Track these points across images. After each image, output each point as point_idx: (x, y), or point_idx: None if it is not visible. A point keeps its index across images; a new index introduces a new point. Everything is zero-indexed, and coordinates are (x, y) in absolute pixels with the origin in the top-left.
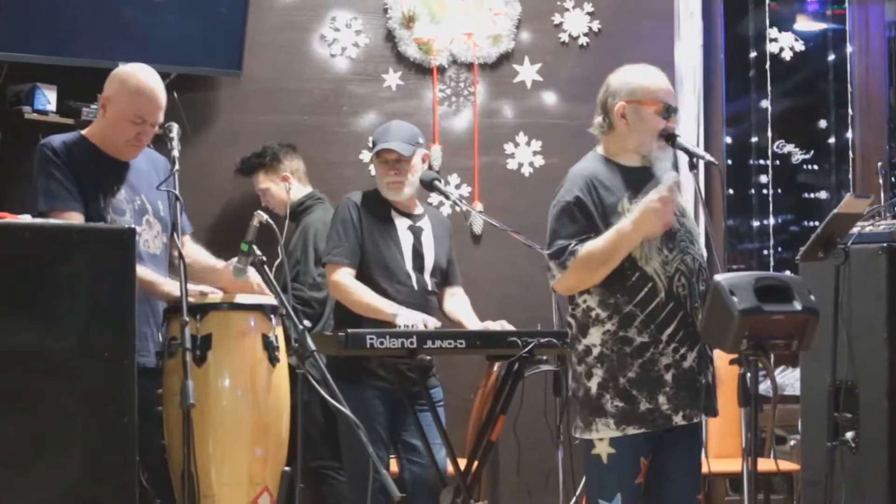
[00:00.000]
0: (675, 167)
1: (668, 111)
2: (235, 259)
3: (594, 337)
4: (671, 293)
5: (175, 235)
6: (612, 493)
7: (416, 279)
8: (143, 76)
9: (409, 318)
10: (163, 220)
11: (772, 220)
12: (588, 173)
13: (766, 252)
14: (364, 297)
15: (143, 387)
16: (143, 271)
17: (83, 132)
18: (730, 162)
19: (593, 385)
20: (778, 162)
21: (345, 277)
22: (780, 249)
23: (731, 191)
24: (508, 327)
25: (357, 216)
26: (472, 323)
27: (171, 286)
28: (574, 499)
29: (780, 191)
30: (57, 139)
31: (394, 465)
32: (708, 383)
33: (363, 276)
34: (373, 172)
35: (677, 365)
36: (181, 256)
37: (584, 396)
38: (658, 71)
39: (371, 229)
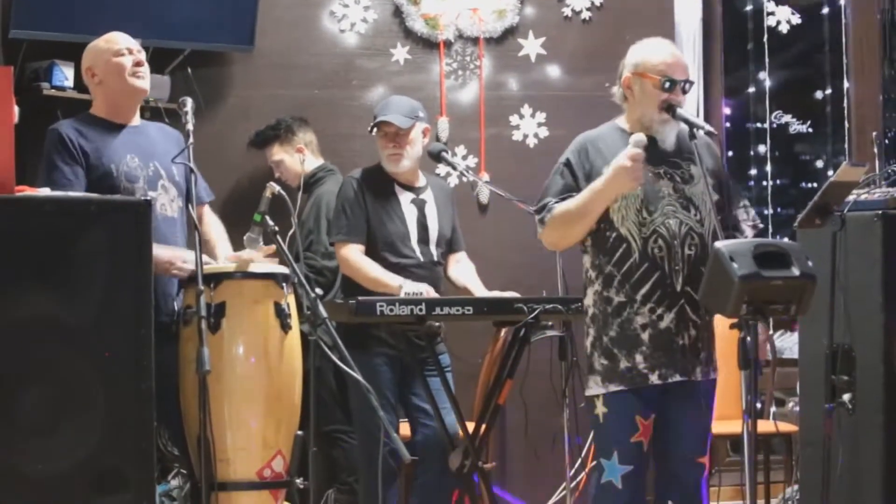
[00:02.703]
0: (692, 136)
1: (670, 84)
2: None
3: (588, 297)
4: (645, 254)
5: (189, 206)
6: (610, 450)
7: (421, 251)
8: (102, 36)
9: (412, 288)
10: (178, 185)
11: (769, 186)
12: (587, 138)
13: (766, 212)
14: (371, 271)
15: (165, 352)
16: (158, 250)
17: (89, 111)
18: (728, 138)
19: (588, 344)
20: (776, 132)
21: (353, 254)
22: (779, 210)
23: (730, 153)
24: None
25: (359, 193)
26: (478, 288)
27: (189, 262)
28: (580, 460)
29: (777, 160)
30: (65, 123)
31: (405, 429)
32: (685, 345)
33: (370, 252)
34: None
35: (654, 325)
36: (197, 228)
37: (584, 355)
38: (667, 44)
39: (375, 205)
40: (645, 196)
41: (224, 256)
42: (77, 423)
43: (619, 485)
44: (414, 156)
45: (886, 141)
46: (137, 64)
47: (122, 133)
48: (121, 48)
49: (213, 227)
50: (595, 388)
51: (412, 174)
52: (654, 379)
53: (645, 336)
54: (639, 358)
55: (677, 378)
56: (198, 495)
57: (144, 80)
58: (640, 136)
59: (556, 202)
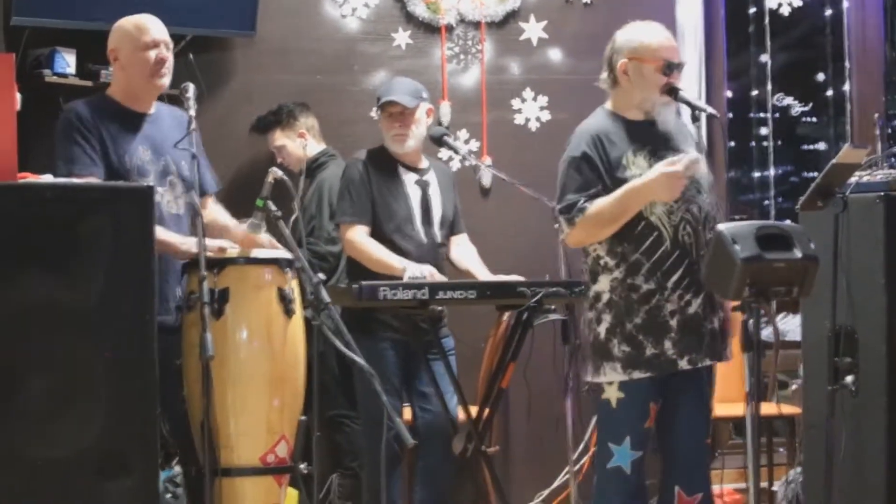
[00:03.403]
0: (695, 118)
1: (670, 67)
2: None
3: (603, 284)
4: (676, 241)
5: (193, 193)
6: (622, 436)
7: (425, 232)
8: (135, 16)
9: (416, 271)
10: (186, 181)
11: (772, 171)
12: (595, 129)
13: (766, 202)
14: (375, 253)
15: (166, 343)
16: (161, 232)
17: (106, 92)
18: (731, 115)
19: (602, 330)
20: (777, 114)
21: (359, 235)
22: (780, 200)
23: (732, 143)
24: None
25: (365, 174)
26: (480, 271)
27: (189, 244)
28: (582, 444)
29: (780, 142)
30: (80, 104)
31: (407, 414)
32: (714, 329)
33: (375, 233)
34: None
35: (682, 311)
36: (198, 213)
37: (594, 341)
38: (661, 28)
39: (380, 186)
40: None
41: (235, 223)
42: (80, 409)
43: (628, 470)
44: (418, 136)
45: (889, 123)
46: (161, 61)
47: (137, 123)
48: (149, 41)
49: (219, 214)
50: (612, 374)
51: (416, 155)
52: (683, 364)
53: (674, 322)
54: (667, 344)
55: (707, 362)
56: (201, 481)
57: (166, 77)
58: (696, 154)
59: (586, 201)
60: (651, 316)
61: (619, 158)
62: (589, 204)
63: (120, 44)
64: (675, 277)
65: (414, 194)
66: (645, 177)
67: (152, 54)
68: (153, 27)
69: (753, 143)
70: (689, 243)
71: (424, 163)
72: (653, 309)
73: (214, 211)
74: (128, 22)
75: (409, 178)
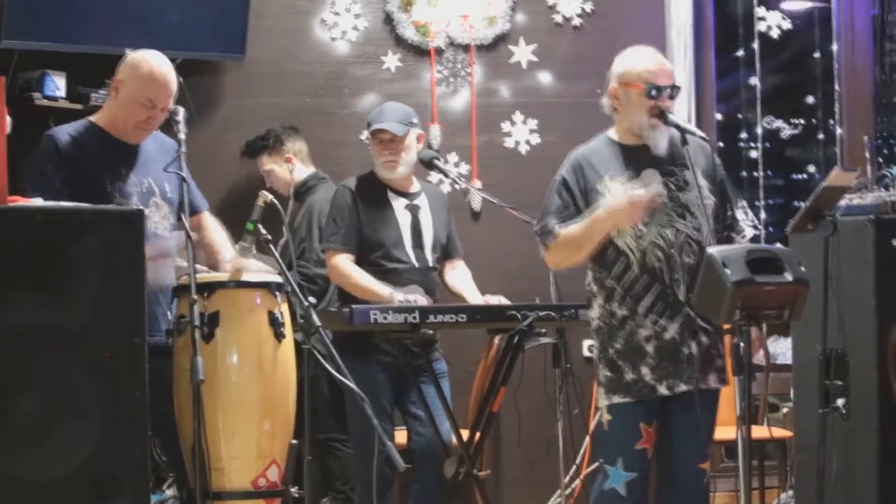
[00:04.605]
0: (684, 141)
1: (656, 90)
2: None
3: (594, 311)
4: (644, 266)
5: (183, 216)
6: (615, 457)
7: (416, 256)
8: (155, 62)
9: (404, 296)
10: (171, 202)
11: (762, 191)
12: (580, 154)
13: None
14: (360, 280)
15: (155, 364)
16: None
17: (91, 118)
18: (721, 144)
19: (595, 355)
20: (767, 138)
21: (343, 262)
22: (771, 229)
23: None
24: (505, 301)
25: (353, 202)
26: (474, 295)
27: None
28: (574, 467)
29: (769, 165)
30: (62, 131)
31: (401, 437)
32: (692, 354)
33: (365, 258)
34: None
35: (658, 336)
36: (188, 236)
37: (595, 366)
38: (650, 52)
39: (369, 212)
40: None
41: (228, 260)
42: (71, 430)
43: (622, 492)
44: (409, 162)
45: (878, 145)
46: (148, 121)
47: (120, 147)
48: (150, 99)
49: (216, 232)
50: (602, 399)
51: (406, 180)
52: (662, 390)
53: (650, 348)
54: (644, 370)
55: (682, 388)
56: None
57: (144, 133)
58: (652, 175)
59: (558, 224)
60: (627, 342)
61: (594, 184)
62: (561, 228)
63: (126, 80)
64: (645, 303)
65: (403, 219)
66: (609, 201)
67: (145, 112)
68: (161, 88)
69: (743, 166)
70: (658, 268)
71: (416, 186)
72: (628, 335)
73: (213, 230)
74: (145, 64)
75: (398, 204)
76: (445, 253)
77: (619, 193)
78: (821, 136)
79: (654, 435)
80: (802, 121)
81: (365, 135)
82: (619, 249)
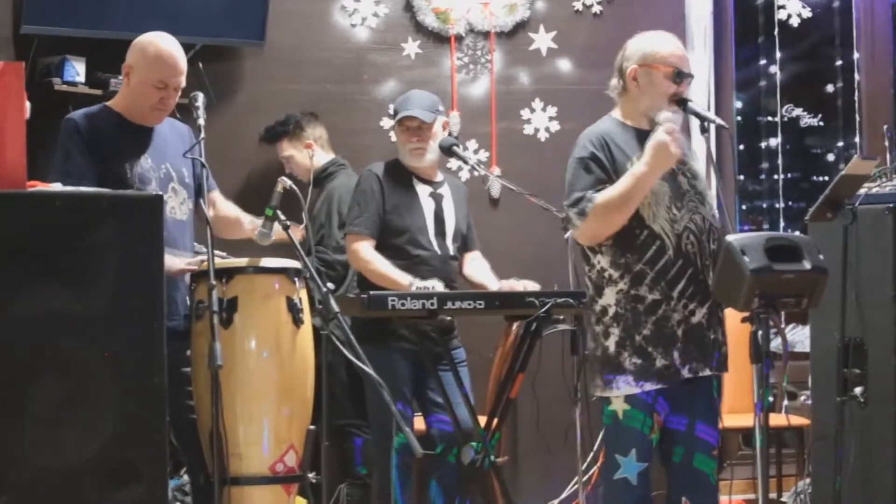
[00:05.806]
0: (703, 129)
1: (679, 76)
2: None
3: (609, 297)
4: (679, 251)
5: (201, 202)
6: (628, 448)
7: (438, 244)
8: (162, 43)
9: (423, 284)
10: (188, 187)
11: (780, 181)
12: (602, 132)
13: (777, 206)
14: (380, 268)
15: (173, 349)
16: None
17: (108, 103)
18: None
19: (611, 344)
20: (787, 125)
21: (363, 248)
22: (790, 203)
23: (741, 146)
24: (532, 286)
25: (378, 187)
26: (493, 285)
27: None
28: (591, 454)
29: (787, 154)
30: (80, 114)
31: (419, 423)
32: (717, 339)
33: (388, 244)
34: (393, 139)
35: (687, 321)
36: (208, 223)
37: (603, 355)
38: (672, 37)
39: (394, 198)
40: (672, 192)
41: (250, 220)
42: (89, 417)
43: (634, 482)
44: (436, 149)
45: None
46: (162, 102)
47: (137, 132)
48: (161, 80)
49: (229, 207)
50: (626, 387)
51: (432, 169)
52: (685, 373)
53: (680, 332)
54: (675, 354)
55: (707, 372)
56: (210, 490)
57: (161, 115)
58: (668, 114)
59: (593, 192)
60: (658, 327)
61: (623, 163)
62: (597, 195)
63: (135, 64)
64: (679, 287)
65: (428, 206)
66: (644, 156)
67: (158, 94)
68: (170, 68)
69: (763, 154)
70: (692, 252)
71: (439, 176)
72: (660, 320)
73: (224, 206)
74: (151, 46)
75: (423, 191)
76: (464, 245)
77: (650, 144)
78: (840, 124)
79: (659, 424)
80: (822, 109)
81: (389, 122)
82: (654, 233)
